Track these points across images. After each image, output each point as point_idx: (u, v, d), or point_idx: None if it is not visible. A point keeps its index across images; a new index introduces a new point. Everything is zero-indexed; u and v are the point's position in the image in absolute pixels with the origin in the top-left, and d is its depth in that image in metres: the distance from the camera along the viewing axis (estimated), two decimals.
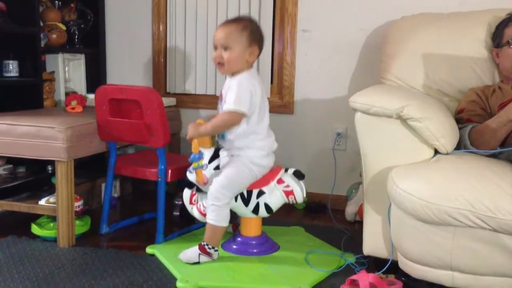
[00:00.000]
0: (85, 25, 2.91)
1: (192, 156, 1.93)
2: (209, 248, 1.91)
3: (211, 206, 1.90)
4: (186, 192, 2.08)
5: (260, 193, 1.97)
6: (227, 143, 1.96)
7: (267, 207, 1.98)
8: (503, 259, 1.45)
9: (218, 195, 1.88)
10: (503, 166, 1.55)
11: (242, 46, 1.89)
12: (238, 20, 1.95)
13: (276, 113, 2.69)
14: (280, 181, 1.98)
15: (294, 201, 1.99)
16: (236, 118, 1.86)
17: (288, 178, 1.98)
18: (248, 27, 1.91)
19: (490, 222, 1.42)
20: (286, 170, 2.02)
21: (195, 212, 2.03)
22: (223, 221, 1.91)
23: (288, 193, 1.97)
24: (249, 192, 1.97)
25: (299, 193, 1.97)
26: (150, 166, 2.15)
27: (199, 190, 2.02)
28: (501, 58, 1.99)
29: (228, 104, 1.86)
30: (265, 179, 1.97)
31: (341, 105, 2.59)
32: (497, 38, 2.02)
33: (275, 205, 1.99)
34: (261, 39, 1.95)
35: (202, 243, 1.92)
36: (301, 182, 2.00)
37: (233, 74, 1.93)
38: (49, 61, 2.80)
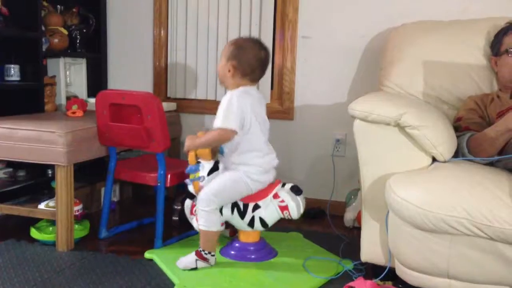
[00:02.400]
0: (86, 30, 2.92)
1: (189, 167, 1.95)
2: (205, 254, 1.92)
3: (200, 211, 1.91)
4: (187, 203, 2.09)
5: (256, 207, 1.97)
6: (225, 159, 1.98)
7: (262, 221, 1.97)
8: (499, 268, 1.46)
9: (206, 201, 1.90)
10: (500, 175, 1.56)
11: (224, 59, 1.94)
12: (241, 37, 2.03)
13: (276, 119, 2.70)
14: (276, 196, 1.96)
15: (289, 217, 1.96)
16: (225, 135, 1.87)
17: (284, 193, 1.96)
18: (235, 44, 1.94)
19: (487, 231, 1.42)
20: (283, 185, 2.00)
21: (194, 223, 2.04)
22: (214, 226, 1.92)
23: (283, 208, 1.95)
24: (245, 206, 1.97)
25: (294, 209, 1.94)
26: (150, 171, 2.16)
27: None
28: (499, 67, 2.00)
29: (216, 121, 1.87)
30: (262, 193, 1.97)
31: (341, 112, 2.59)
32: (495, 47, 2.02)
33: (270, 220, 1.98)
34: (243, 58, 1.91)
35: (199, 249, 1.93)
36: (299, 198, 1.97)
37: (226, 88, 1.96)
38: (51, 65, 2.81)
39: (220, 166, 1.99)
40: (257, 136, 1.93)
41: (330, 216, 2.52)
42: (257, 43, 1.97)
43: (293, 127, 2.78)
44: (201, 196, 1.91)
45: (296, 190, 1.97)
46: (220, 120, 1.86)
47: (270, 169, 1.98)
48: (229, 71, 1.92)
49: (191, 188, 2.00)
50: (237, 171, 1.93)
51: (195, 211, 2.03)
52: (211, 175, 1.95)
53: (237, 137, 1.89)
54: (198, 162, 1.98)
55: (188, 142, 1.94)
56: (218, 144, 1.94)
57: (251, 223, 1.98)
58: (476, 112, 1.92)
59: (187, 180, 1.98)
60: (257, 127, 1.92)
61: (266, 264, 1.99)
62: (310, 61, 2.72)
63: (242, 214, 1.97)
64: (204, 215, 1.91)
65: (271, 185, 1.99)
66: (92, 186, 2.56)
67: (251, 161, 1.92)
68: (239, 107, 1.86)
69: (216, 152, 2.00)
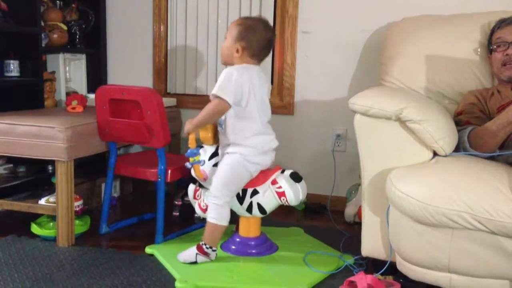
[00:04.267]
0: (86, 25, 2.92)
1: (189, 151, 1.94)
2: (207, 248, 1.92)
3: (212, 204, 1.91)
4: (191, 187, 2.10)
5: (254, 193, 1.96)
6: (222, 137, 1.97)
7: (260, 207, 1.97)
8: (500, 261, 1.46)
9: (217, 193, 1.90)
10: (502, 169, 1.55)
11: (231, 40, 1.93)
12: (247, 17, 2.02)
13: (276, 114, 2.68)
14: (274, 182, 1.96)
15: (287, 203, 1.96)
16: (221, 105, 1.86)
17: (282, 180, 1.95)
18: (244, 24, 1.92)
19: (488, 224, 1.42)
20: (283, 171, 2.00)
21: (196, 208, 2.05)
22: (223, 220, 1.92)
23: (281, 194, 1.94)
24: (244, 191, 1.97)
25: (291, 195, 1.93)
26: (150, 167, 2.16)
27: (201, 185, 2.03)
28: (492, 64, 2.01)
29: (213, 89, 1.87)
30: (260, 179, 1.97)
31: (341, 107, 2.58)
32: (488, 47, 2.05)
33: (268, 206, 1.98)
34: (252, 39, 1.90)
35: (201, 243, 1.93)
36: (298, 185, 1.96)
37: (227, 65, 1.97)
38: (50, 61, 2.81)
39: (219, 151, 1.98)
40: (254, 115, 1.91)
41: (330, 211, 2.53)
42: (264, 23, 1.96)
43: (293, 122, 2.77)
44: (212, 190, 1.91)
45: (295, 177, 1.96)
46: (216, 89, 1.86)
47: (267, 150, 1.97)
48: (237, 51, 1.92)
49: (193, 172, 2.00)
50: (234, 154, 1.92)
51: (198, 195, 2.03)
52: (213, 160, 1.95)
53: (234, 112, 1.89)
54: (201, 146, 1.98)
55: (188, 124, 1.94)
56: (215, 117, 1.92)
57: (249, 209, 1.98)
58: (476, 107, 1.92)
59: (187, 164, 1.98)
60: (254, 105, 1.91)
61: (267, 259, 1.99)
62: (311, 56, 2.72)
63: (240, 200, 1.97)
64: (216, 208, 1.90)
65: (270, 171, 1.98)
66: (92, 182, 2.56)
67: (246, 141, 1.91)
68: (237, 81, 1.85)
69: (217, 136, 1.99)
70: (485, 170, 1.54)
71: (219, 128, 1.99)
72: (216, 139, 2.00)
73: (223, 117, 1.93)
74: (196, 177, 2.00)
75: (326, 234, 2.29)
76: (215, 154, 1.99)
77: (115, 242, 2.18)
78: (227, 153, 1.95)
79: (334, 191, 2.64)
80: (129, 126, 2.10)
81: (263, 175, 1.97)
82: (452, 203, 1.44)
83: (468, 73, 2.10)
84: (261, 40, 1.92)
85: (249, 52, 1.92)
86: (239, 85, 1.86)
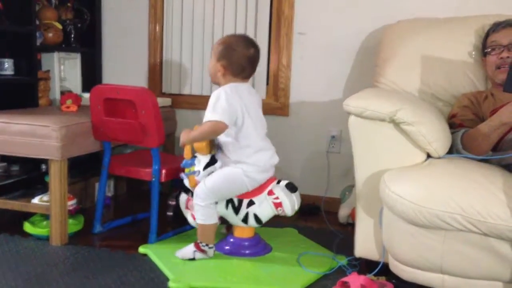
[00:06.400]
0: (81, 25, 2.91)
1: (184, 161, 1.95)
2: (203, 246, 1.93)
3: (196, 205, 1.92)
4: (183, 197, 2.09)
5: (250, 203, 1.97)
6: (222, 155, 1.97)
7: (256, 217, 1.97)
8: (492, 263, 1.46)
9: (202, 195, 1.91)
10: (494, 171, 1.56)
11: (214, 59, 1.94)
12: (230, 35, 2.01)
13: (271, 115, 2.70)
14: (270, 193, 1.96)
15: (283, 213, 1.96)
16: (215, 127, 1.86)
17: (279, 190, 1.95)
18: (225, 43, 1.92)
19: (481, 226, 1.43)
20: (279, 182, 2.00)
21: (189, 218, 2.04)
22: (210, 219, 1.93)
23: (277, 205, 1.94)
24: (240, 201, 1.97)
25: (288, 206, 1.94)
26: (144, 166, 2.15)
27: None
28: (486, 67, 2.03)
29: (206, 115, 1.87)
30: (257, 190, 1.96)
31: (336, 108, 2.59)
32: (483, 50, 2.06)
33: (264, 216, 1.98)
34: (233, 57, 1.90)
35: (197, 241, 1.94)
36: (293, 195, 1.96)
37: (218, 85, 1.96)
38: (45, 59, 2.80)
39: (218, 163, 1.98)
40: (251, 132, 1.92)
41: (324, 212, 2.53)
42: (246, 41, 1.95)
43: (288, 123, 2.78)
44: (197, 191, 1.92)
45: (291, 188, 1.97)
46: (209, 114, 1.86)
47: (269, 167, 1.97)
48: (219, 70, 1.92)
49: (186, 182, 2.00)
50: (236, 168, 1.92)
51: (190, 206, 2.03)
52: (207, 170, 1.95)
53: (232, 132, 1.89)
54: (194, 156, 1.98)
55: (183, 136, 1.94)
56: (211, 136, 1.93)
57: (245, 219, 1.98)
58: (470, 109, 1.93)
59: (182, 174, 1.99)
60: (250, 122, 1.91)
61: (261, 259, 1.99)
62: (306, 58, 2.72)
63: (236, 210, 1.97)
64: (201, 210, 1.92)
65: (266, 182, 1.98)
66: (86, 181, 2.56)
67: (249, 159, 1.91)
68: (228, 102, 1.86)
69: (213, 146, 1.99)
70: (478, 172, 1.55)
71: (217, 153, 1.99)
72: (210, 149, 1.99)
73: (223, 139, 1.93)
74: (190, 188, 2.00)
75: (320, 235, 2.30)
76: (209, 164, 1.98)
77: (109, 241, 2.18)
78: (229, 165, 1.94)
79: (328, 192, 2.64)
80: (124, 125, 2.10)
81: (259, 186, 1.97)
82: (445, 205, 1.45)
83: (462, 76, 2.11)
84: (242, 57, 1.91)
85: (230, 71, 1.92)
86: (230, 104, 1.86)
